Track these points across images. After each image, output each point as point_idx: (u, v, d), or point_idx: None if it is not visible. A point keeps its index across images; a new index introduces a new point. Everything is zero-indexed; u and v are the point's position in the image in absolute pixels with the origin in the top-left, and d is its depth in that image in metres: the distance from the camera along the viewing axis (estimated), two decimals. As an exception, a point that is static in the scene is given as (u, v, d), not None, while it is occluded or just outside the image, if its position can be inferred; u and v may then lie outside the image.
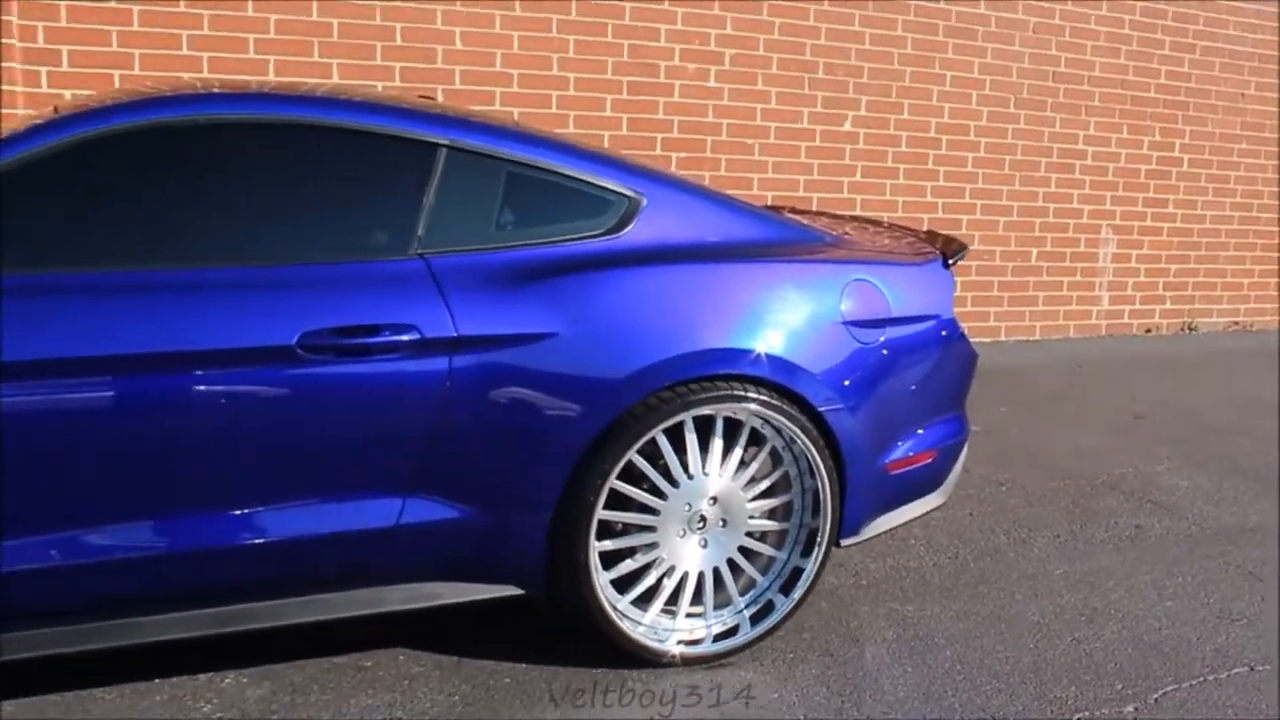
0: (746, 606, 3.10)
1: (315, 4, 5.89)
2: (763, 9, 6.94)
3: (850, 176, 7.41)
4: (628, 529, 2.92)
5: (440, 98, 6.02)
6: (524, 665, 2.97)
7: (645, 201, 2.98)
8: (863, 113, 7.38)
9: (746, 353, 2.87)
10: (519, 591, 2.87)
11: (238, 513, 2.58)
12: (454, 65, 6.22)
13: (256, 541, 2.60)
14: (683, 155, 6.81)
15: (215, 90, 2.83)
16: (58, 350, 2.39)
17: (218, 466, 2.53)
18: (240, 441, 2.54)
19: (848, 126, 7.35)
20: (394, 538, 2.69)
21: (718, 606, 3.08)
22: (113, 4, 5.53)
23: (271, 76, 5.83)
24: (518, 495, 2.74)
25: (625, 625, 2.92)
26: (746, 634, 3.08)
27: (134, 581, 2.55)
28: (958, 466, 3.53)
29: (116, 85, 5.59)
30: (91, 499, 2.46)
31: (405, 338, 2.60)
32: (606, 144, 6.46)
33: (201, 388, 2.49)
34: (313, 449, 2.59)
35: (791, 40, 7.06)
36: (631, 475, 2.87)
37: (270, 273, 2.58)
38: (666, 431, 2.85)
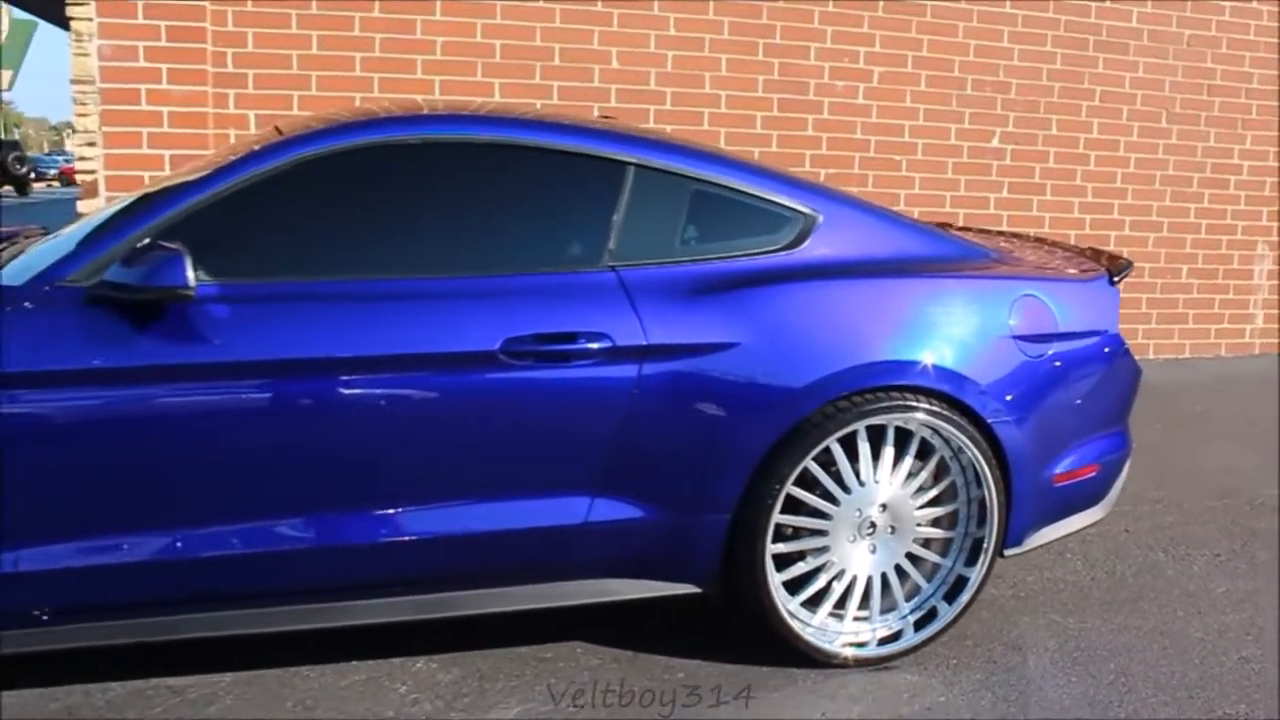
0: (911, 612, 3.19)
1: (480, 25, 6.15)
2: (911, 26, 6.99)
3: (997, 193, 7.40)
4: (800, 533, 3.04)
5: (594, 115, 6.23)
6: (696, 661, 3.11)
7: (821, 218, 3.10)
8: (1010, 129, 7.37)
9: (918, 365, 2.97)
10: (696, 589, 3.01)
11: (440, 507, 2.77)
12: (610, 84, 6.42)
13: (455, 534, 2.79)
14: (831, 171, 6.90)
15: (429, 112, 3.05)
16: (285, 351, 2.62)
17: (423, 462, 2.73)
18: (444, 440, 2.73)
19: (995, 143, 7.34)
20: (582, 535, 2.85)
21: (883, 611, 3.17)
22: (294, 30, 5.88)
23: (438, 95, 6.11)
24: (700, 497, 2.88)
25: (795, 625, 3.04)
26: (910, 639, 3.17)
27: (345, 568, 2.77)
28: (1119, 481, 3.56)
29: (295, 106, 5.93)
30: (312, 490, 2.68)
31: (599, 345, 2.77)
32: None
33: (410, 389, 2.69)
34: (510, 448, 2.77)
35: (940, 57, 7.10)
36: (805, 481, 2.98)
37: (475, 282, 2.78)
38: (839, 439, 2.96)
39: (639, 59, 6.47)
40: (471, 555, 2.83)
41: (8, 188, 31.16)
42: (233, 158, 2.79)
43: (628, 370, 2.79)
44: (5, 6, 31.43)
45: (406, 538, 2.76)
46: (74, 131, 6.08)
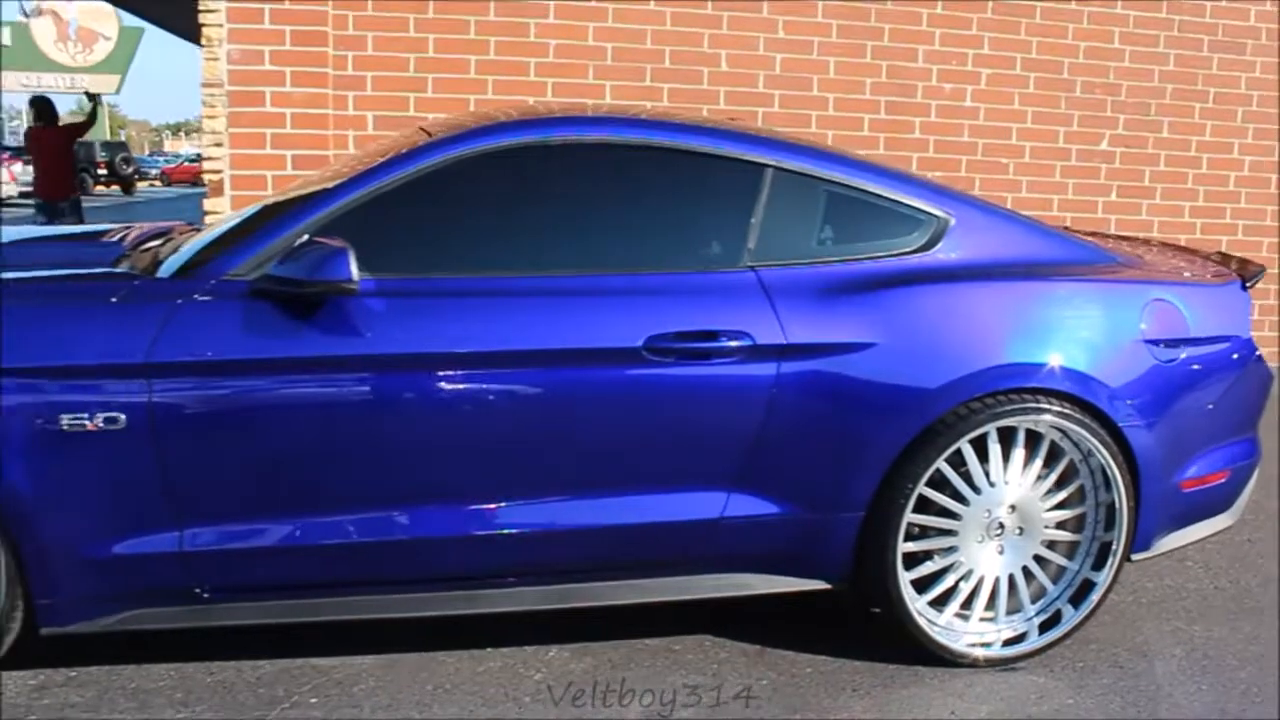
0: (1036, 614, 3.19)
1: (591, 28, 6.25)
2: (1020, 28, 6.94)
3: (1105, 196, 7.32)
4: (928, 532, 3.06)
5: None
6: (823, 657, 3.15)
7: (953, 221, 3.13)
8: (1120, 131, 7.27)
9: (1049, 367, 2.98)
10: (826, 586, 3.06)
11: (580, 499, 2.85)
12: (719, 86, 6.48)
13: (594, 526, 2.86)
14: (938, 174, 6.87)
15: (578, 114, 3.14)
16: (438, 345, 2.72)
17: (566, 455, 2.81)
18: (585, 432, 2.81)
19: (1104, 145, 7.26)
20: (717, 530, 2.91)
21: (1009, 612, 3.18)
22: (412, 33, 6.02)
23: (550, 97, 6.21)
24: (834, 495, 2.93)
25: (923, 623, 3.06)
26: (1033, 641, 3.18)
27: (486, 556, 2.86)
28: (1248, 488, 3.52)
29: (412, 108, 6.08)
30: (459, 480, 2.78)
31: (739, 343, 2.83)
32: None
33: (556, 384, 2.77)
34: (649, 444, 2.84)
35: (1049, 59, 7.03)
36: (936, 481, 3.01)
37: (620, 280, 2.85)
38: (970, 440, 2.98)
39: (748, 61, 6.52)
40: (609, 547, 2.90)
41: (115, 186, 32.14)
42: (387, 157, 2.90)
43: (767, 369, 2.84)
44: (116, 13, 32.39)
45: (546, 528, 2.84)
46: (200, 133, 6.29)
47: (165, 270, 2.87)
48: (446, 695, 2.89)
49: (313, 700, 2.85)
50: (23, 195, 21.86)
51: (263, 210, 3.11)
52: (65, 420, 2.58)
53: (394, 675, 2.98)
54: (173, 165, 47.67)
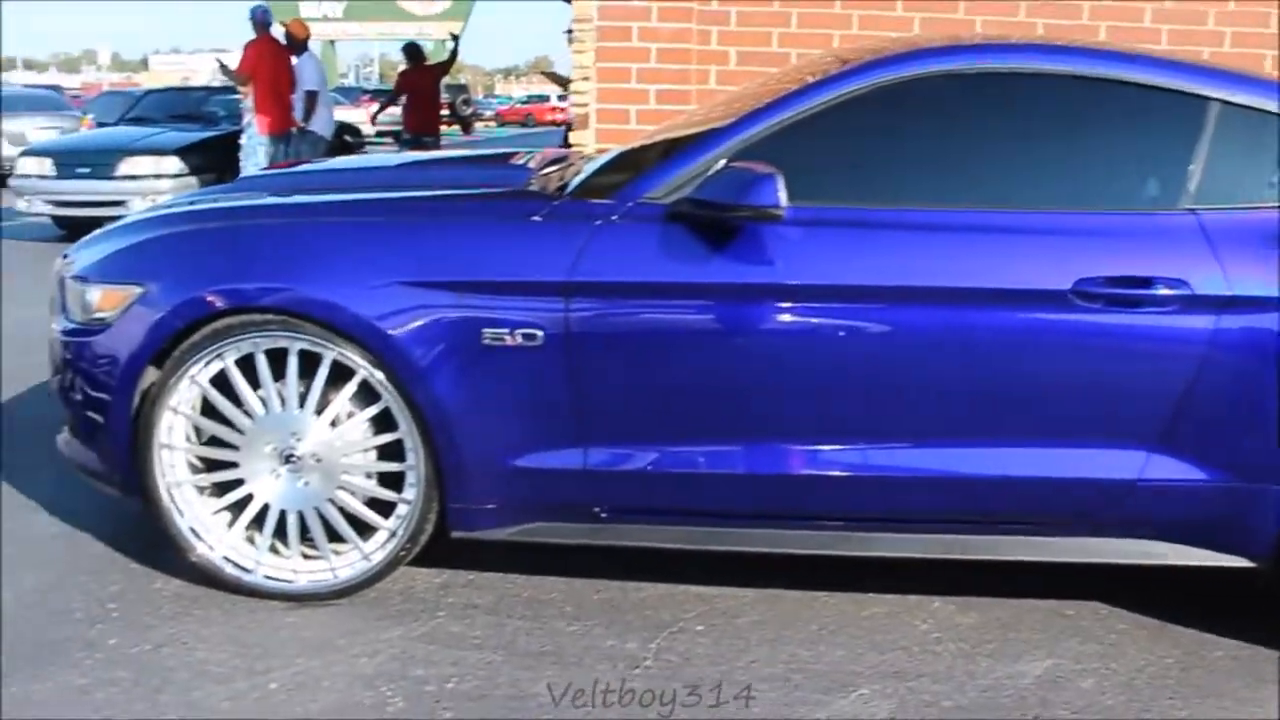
0: None
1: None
2: None
3: None
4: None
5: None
6: (1237, 642, 2.88)
7: None
8: None
9: None
10: (1249, 564, 2.77)
11: (981, 445, 2.71)
12: (1159, 25, 6.01)
13: (993, 476, 2.71)
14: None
15: (1007, 41, 2.96)
16: (856, 278, 2.64)
17: (974, 398, 2.67)
18: (996, 378, 2.66)
19: None
20: (1133, 491, 2.70)
21: None
22: (779, -33, 5.92)
23: (915, 32, 5.97)
24: (1268, 465, 2.65)
25: (1364, 616, 2.75)
26: None
27: (879, 499, 2.77)
28: None
29: (774, 43, 5.99)
30: (862, 416, 2.70)
31: (1175, 292, 2.58)
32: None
33: (974, 323, 2.63)
34: (1067, 394, 2.66)
35: None
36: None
37: (1047, 218, 2.67)
38: None
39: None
40: (1012, 500, 2.75)
41: (455, 126, 34.03)
42: (806, 82, 2.82)
43: (1203, 321, 2.59)
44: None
45: (946, 475, 2.72)
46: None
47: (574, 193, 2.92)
48: (830, 636, 2.84)
49: (699, 627, 2.87)
50: (379, 135, 23.46)
51: (669, 140, 3.11)
52: (487, 335, 2.68)
53: (776, 611, 2.96)
54: (505, 107, 50.13)
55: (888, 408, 2.70)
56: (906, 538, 2.83)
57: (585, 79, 6.11)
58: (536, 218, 2.74)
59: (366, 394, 2.82)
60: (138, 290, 2.83)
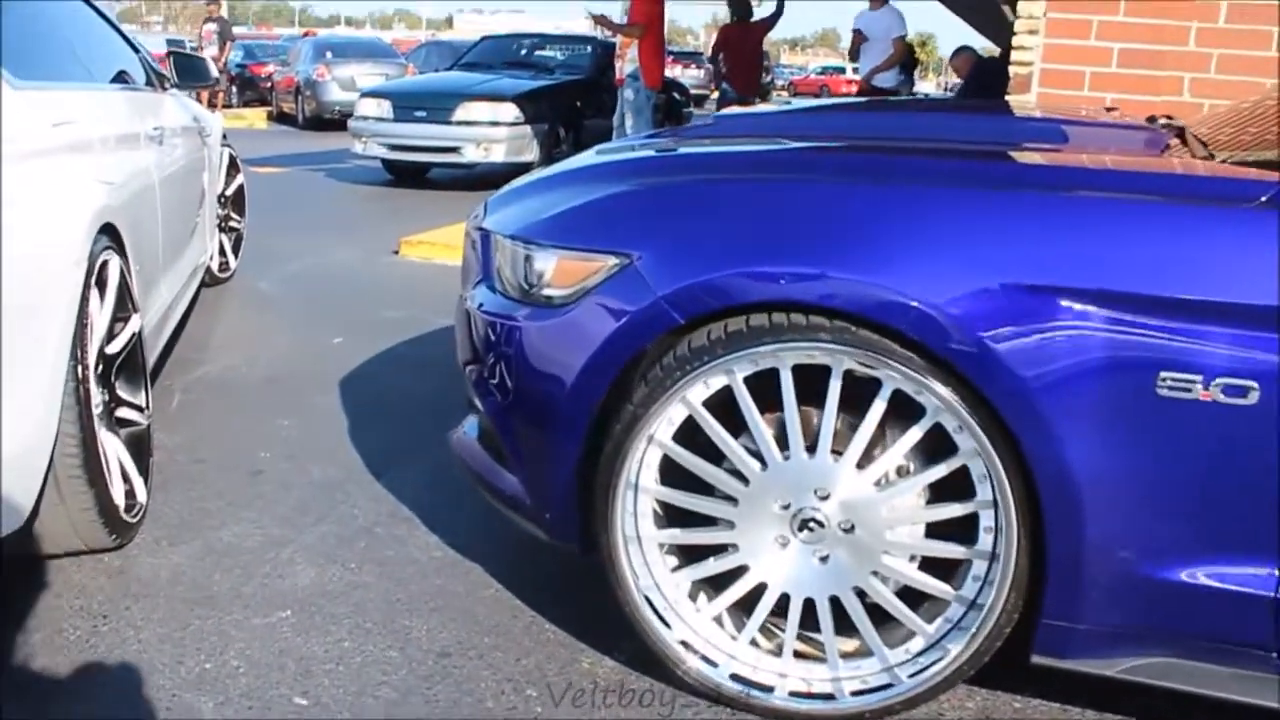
0: None
1: None
2: None
3: None
4: None
5: None
6: None
7: None
8: None
9: None
10: None
11: None
12: None
13: None
14: None
15: None
16: None
17: None
18: None
19: None
20: None
21: None
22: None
23: None
24: None
25: None
26: None
27: None
28: None
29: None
30: None
31: None
32: None
33: None
34: None
35: None
36: None
37: None
38: None
39: None
40: None
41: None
42: None
43: None
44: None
45: None
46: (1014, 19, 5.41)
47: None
48: None
49: None
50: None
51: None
52: (1165, 381, 1.72)
53: None
54: (800, 77, 49.02)
55: None
56: None
57: (1032, 32, 5.04)
58: (1262, 199, 1.75)
59: (927, 444, 1.93)
60: (614, 263, 2.02)
